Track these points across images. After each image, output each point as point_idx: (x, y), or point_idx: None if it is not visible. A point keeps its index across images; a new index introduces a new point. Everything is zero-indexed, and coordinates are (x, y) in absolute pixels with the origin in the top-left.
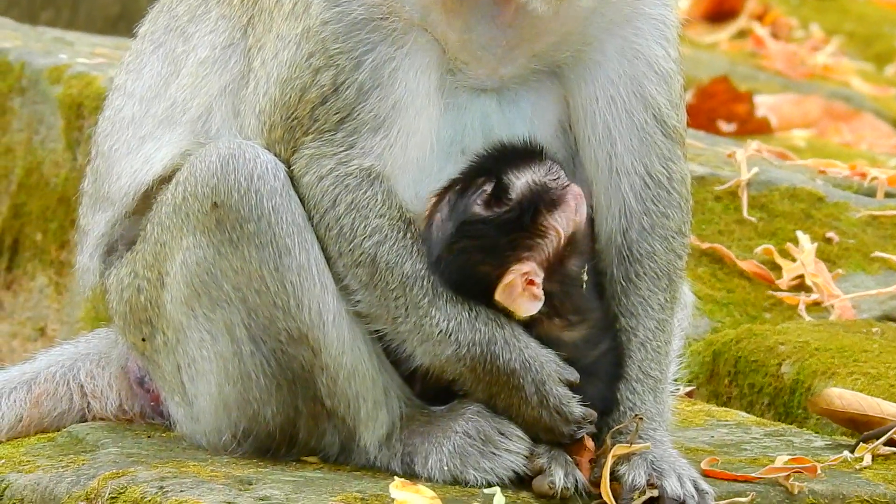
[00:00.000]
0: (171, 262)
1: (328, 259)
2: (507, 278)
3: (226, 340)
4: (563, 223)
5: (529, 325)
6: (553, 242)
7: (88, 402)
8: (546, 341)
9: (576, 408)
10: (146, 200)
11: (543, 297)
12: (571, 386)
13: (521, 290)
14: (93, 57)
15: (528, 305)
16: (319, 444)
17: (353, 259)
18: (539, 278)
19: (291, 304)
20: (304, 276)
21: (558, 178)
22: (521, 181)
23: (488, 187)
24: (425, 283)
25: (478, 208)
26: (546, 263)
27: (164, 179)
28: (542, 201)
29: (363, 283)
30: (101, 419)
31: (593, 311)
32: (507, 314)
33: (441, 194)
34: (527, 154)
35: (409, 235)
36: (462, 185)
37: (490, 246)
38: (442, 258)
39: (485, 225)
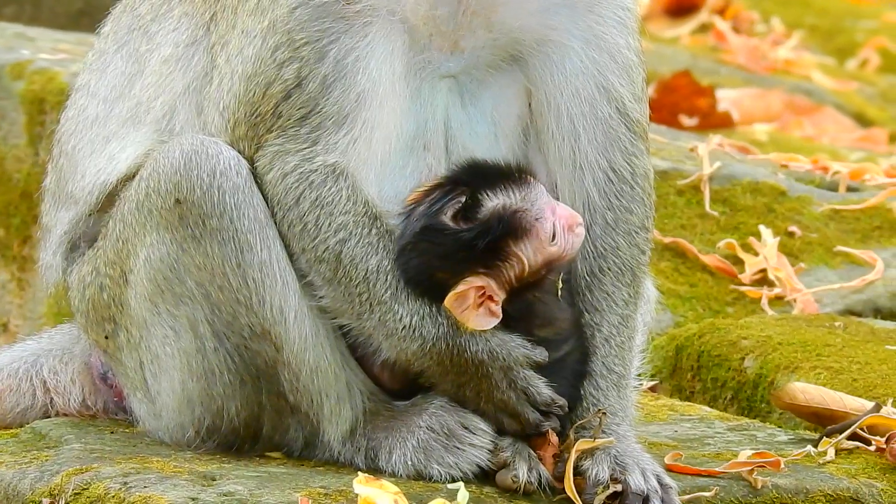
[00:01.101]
0: (134, 258)
1: (291, 255)
2: (460, 288)
3: (189, 336)
4: (528, 252)
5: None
6: (515, 269)
7: (51, 398)
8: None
9: (543, 389)
10: (110, 199)
11: (500, 315)
12: (539, 367)
13: (474, 303)
14: (55, 52)
15: (481, 320)
16: (283, 440)
17: (317, 255)
18: (498, 297)
19: (254, 301)
20: (265, 273)
21: (533, 206)
22: (492, 203)
23: (463, 199)
24: (389, 278)
25: (445, 217)
26: (508, 286)
27: (128, 178)
28: (509, 228)
29: (327, 279)
30: (65, 415)
31: (563, 315)
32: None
33: (428, 191)
34: (510, 177)
35: (374, 232)
36: (446, 188)
37: (448, 255)
38: (404, 253)
39: (446, 236)
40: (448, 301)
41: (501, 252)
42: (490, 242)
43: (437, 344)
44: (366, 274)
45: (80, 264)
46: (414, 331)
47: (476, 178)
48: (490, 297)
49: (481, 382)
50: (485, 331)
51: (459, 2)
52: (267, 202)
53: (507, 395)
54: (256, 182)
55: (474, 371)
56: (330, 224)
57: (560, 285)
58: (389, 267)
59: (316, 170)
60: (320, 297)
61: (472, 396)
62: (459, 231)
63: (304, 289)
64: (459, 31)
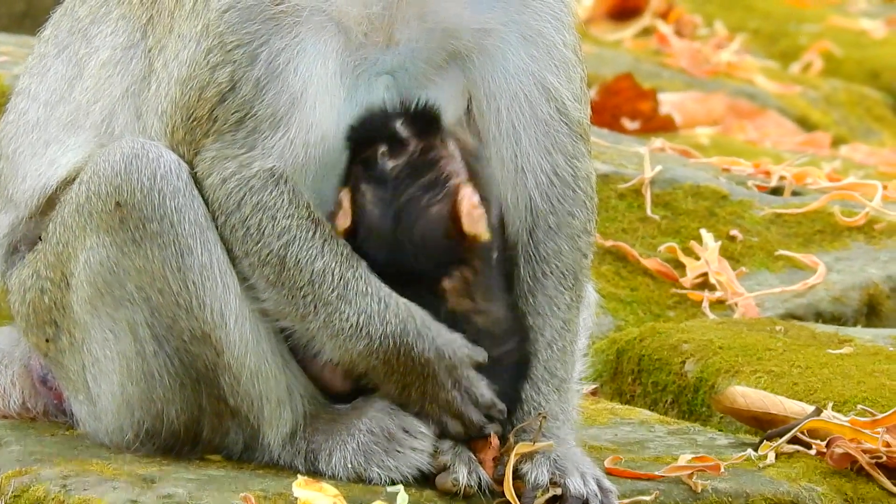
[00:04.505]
0: (74, 261)
1: (233, 259)
2: (464, 207)
3: (128, 339)
4: (452, 143)
5: (440, 302)
6: (460, 157)
7: None
8: (453, 323)
9: (485, 389)
10: (50, 203)
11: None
12: (480, 367)
13: (477, 214)
14: None
15: (486, 229)
16: (223, 443)
17: (261, 259)
18: (476, 198)
19: (194, 304)
20: (205, 276)
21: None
22: (400, 124)
23: (383, 147)
24: (335, 279)
25: (391, 163)
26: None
27: (68, 182)
28: (432, 131)
29: (270, 282)
30: (4, 417)
31: (500, 302)
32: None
33: (353, 188)
34: (384, 114)
35: (317, 235)
36: (362, 167)
37: (427, 184)
38: (399, 226)
39: (406, 169)
40: (466, 226)
41: (445, 149)
42: (433, 142)
43: (383, 342)
44: (311, 276)
45: (21, 268)
46: (360, 329)
47: (370, 130)
48: (473, 205)
49: (426, 382)
50: (444, 289)
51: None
52: (207, 206)
53: (451, 396)
54: (197, 186)
55: (420, 370)
56: (273, 227)
57: (494, 254)
58: (335, 268)
59: (255, 174)
60: (263, 300)
61: (416, 398)
62: (409, 157)
63: (245, 292)
64: (393, 23)
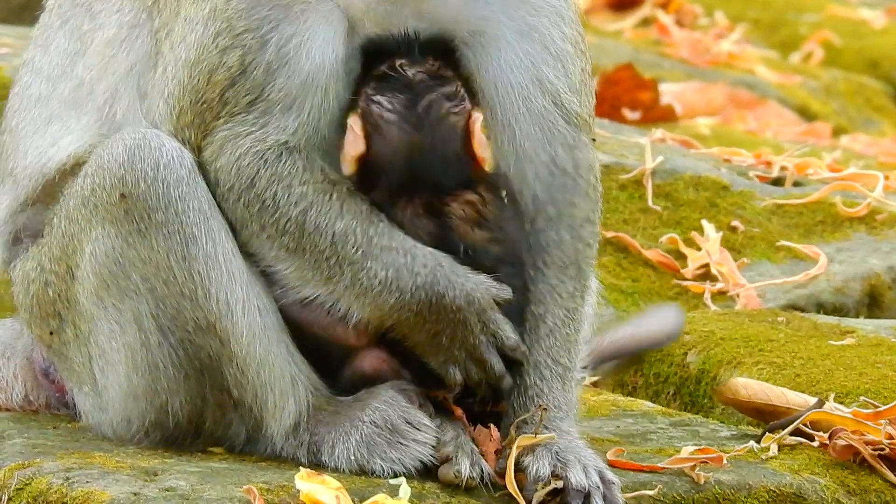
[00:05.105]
0: (80, 253)
1: (249, 237)
2: (476, 127)
3: (133, 331)
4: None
5: (455, 237)
6: (457, 81)
7: None
8: (472, 258)
9: (510, 331)
10: (48, 189)
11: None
12: (502, 307)
13: (484, 139)
14: None
15: (489, 155)
16: (226, 435)
17: (278, 229)
18: (479, 121)
19: (199, 294)
20: (210, 265)
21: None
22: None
23: (401, 60)
24: (357, 237)
25: (412, 70)
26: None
27: (67, 170)
28: (446, 55)
29: (290, 250)
30: (7, 410)
31: (511, 235)
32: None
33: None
34: (400, 36)
35: (335, 196)
36: (378, 82)
37: (448, 94)
38: (419, 129)
39: (429, 77)
40: (477, 149)
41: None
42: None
43: (415, 294)
44: (333, 238)
45: (24, 260)
46: (390, 284)
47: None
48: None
49: (457, 328)
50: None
51: None
52: (213, 191)
53: (478, 340)
54: (201, 172)
55: (452, 317)
56: (289, 197)
57: (504, 192)
58: (357, 227)
59: (269, 148)
60: (285, 270)
61: (446, 344)
62: (415, 73)
63: (257, 277)
64: (392, 21)
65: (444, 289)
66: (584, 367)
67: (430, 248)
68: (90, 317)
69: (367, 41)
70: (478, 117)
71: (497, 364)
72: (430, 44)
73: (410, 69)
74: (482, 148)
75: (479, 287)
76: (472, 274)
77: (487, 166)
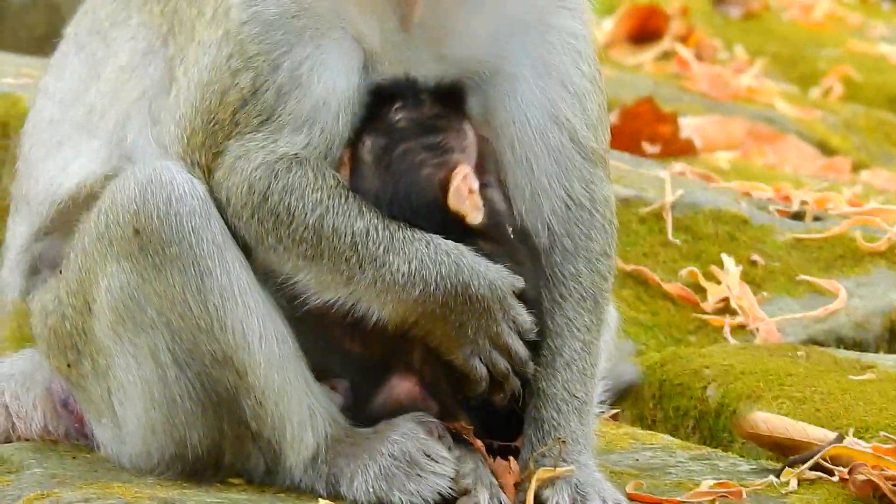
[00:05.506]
0: (96, 288)
1: (266, 250)
2: (455, 181)
3: (150, 365)
4: (470, 129)
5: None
6: (472, 141)
7: (13, 423)
8: None
9: (526, 315)
10: (63, 217)
11: (482, 206)
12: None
13: (467, 194)
14: (19, 77)
15: (475, 213)
16: (245, 466)
17: (296, 239)
18: (475, 185)
19: (215, 327)
20: (226, 298)
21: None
22: (423, 89)
23: (399, 103)
24: (379, 233)
25: (400, 115)
26: (477, 169)
27: (80, 201)
28: (450, 106)
29: (308, 257)
30: (26, 439)
31: (525, 275)
32: (460, 225)
33: (354, 145)
34: (413, 81)
35: (350, 198)
36: (372, 121)
37: (427, 145)
38: (387, 173)
39: (414, 125)
40: (451, 200)
41: (461, 127)
42: (453, 114)
43: (440, 284)
44: (352, 238)
45: (42, 292)
46: (414, 276)
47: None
48: (471, 190)
49: (482, 317)
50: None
51: (407, 32)
52: (226, 212)
53: (501, 327)
54: (213, 196)
55: (478, 306)
56: (304, 206)
57: (510, 229)
58: (378, 223)
59: (280, 158)
60: (303, 279)
61: (471, 335)
62: (422, 114)
63: (272, 306)
64: (409, 62)
65: (469, 277)
66: (602, 402)
67: (449, 241)
68: (107, 351)
69: (374, 85)
70: (463, 171)
71: (521, 349)
72: (442, 90)
73: (400, 114)
74: (460, 202)
75: (499, 274)
76: (490, 262)
77: (471, 220)
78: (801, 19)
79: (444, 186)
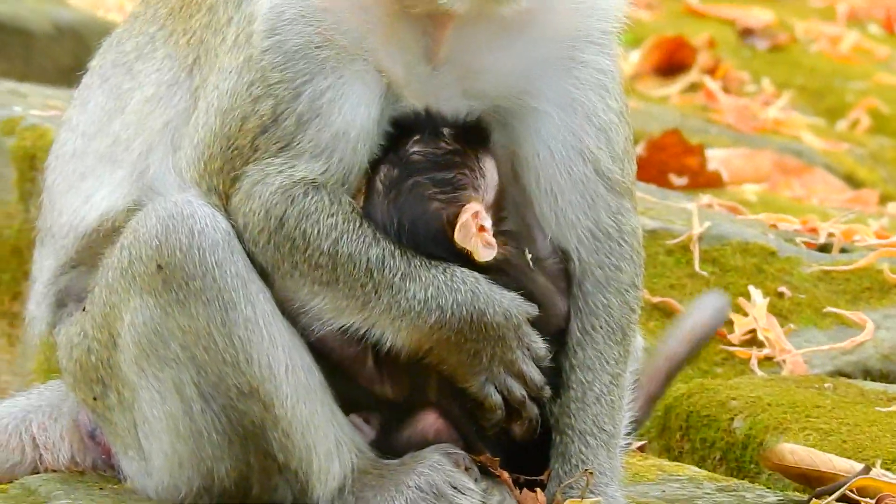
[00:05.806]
0: (120, 323)
1: (283, 276)
2: (462, 217)
3: (175, 399)
4: (491, 167)
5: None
6: (490, 181)
7: (41, 454)
8: None
9: (540, 343)
10: (88, 250)
11: (495, 245)
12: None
13: (475, 231)
14: (46, 109)
15: (485, 251)
16: (272, 499)
17: (312, 264)
18: (488, 223)
19: (241, 359)
20: (251, 330)
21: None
22: (444, 124)
23: (417, 136)
24: (396, 259)
25: (415, 149)
26: (490, 209)
27: (103, 234)
28: (472, 142)
29: (323, 283)
30: (54, 471)
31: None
32: (469, 261)
33: (371, 172)
34: (436, 115)
35: (365, 225)
36: (389, 153)
37: (438, 180)
38: (394, 204)
39: (427, 159)
40: (457, 236)
41: (480, 166)
42: (470, 151)
43: (455, 311)
44: (368, 264)
45: (69, 325)
46: (430, 303)
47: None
48: (482, 227)
49: (496, 345)
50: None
51: (432, 66)
52: (243, 237)
53: (516, 355)
54: (230, 221)
55: (493, 333)
56: (319, 231)
57: (529, 256)
58: (395, 249)
59: (296, 184)
60: (319, 304)
61: (486, 363)
62: (437, 150)
63: (296, 337)
64: (433, 96)
65: (485, 305)
66: (628, 434)
67: (464, 268)
68: (132, 385)
69: (395, 117)
70: (473, 208)
71: (537, 375)
72: (466, 125)
73: (415, 147)
74: (466, 239)
75: (513, 301)
76: (504, 290)
77: (479, 258)
78: (829, 52)
79: (452, 223)
